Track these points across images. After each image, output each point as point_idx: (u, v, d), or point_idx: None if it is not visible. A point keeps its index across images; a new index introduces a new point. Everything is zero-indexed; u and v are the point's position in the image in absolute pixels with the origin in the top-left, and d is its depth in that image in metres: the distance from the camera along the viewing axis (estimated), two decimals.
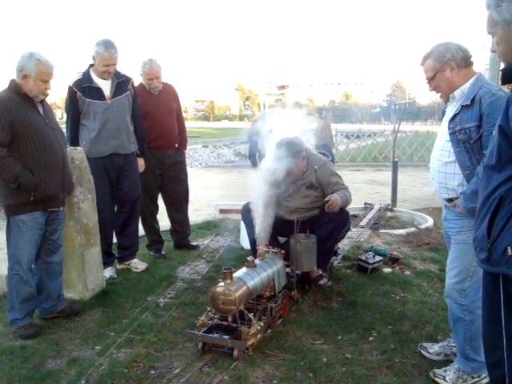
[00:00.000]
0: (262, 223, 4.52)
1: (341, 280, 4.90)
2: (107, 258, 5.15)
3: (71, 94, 4.99)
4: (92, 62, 5.03)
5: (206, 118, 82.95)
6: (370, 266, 5.06)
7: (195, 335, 3.65)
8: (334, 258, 5.30)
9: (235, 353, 3.43)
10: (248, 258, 4.05)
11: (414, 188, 12.00)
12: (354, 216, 7.87)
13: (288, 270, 4.49)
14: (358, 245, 6.12)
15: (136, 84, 5.45)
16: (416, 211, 8.48)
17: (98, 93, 4.97)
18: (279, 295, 4.15)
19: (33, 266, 4.17)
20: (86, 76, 5.01)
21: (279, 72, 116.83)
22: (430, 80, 3.06)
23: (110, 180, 5.12)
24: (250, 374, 3.26)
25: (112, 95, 5.02)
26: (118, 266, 5.42)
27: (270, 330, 3.86)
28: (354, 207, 8.54)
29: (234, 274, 3.77)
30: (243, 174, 16.37)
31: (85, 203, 4.56)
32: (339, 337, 3.78)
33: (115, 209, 5.33)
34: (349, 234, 6.52)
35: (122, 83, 5.10)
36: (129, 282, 5.02)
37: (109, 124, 5.00)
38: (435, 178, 3.14)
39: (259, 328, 3.62)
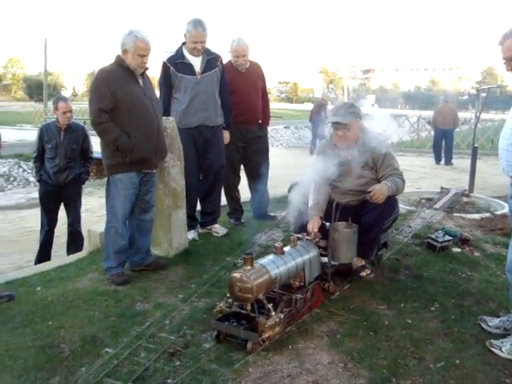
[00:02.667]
0: (316, 195, 4.42)
1: (409, 255, 5.10)
2: (191, 222, 5.59)
3: (165, 69, 5.43)
4: (184, 40, 5.45)
5: (289, 100, 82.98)
6: (439, 245, 5.20)
7: (209, 322, 3.52)
8: (384, 249, 5.02)
9: (249, 345, 3.24)
10: (276, 244, 3.82)
11: (496, 176, 11.71)
12: (429, 199, 7.97)
13: (325, 259, 4.25)
14: (429, 225, 6.24)
15: (225, 62, 5.83)
16: (494, 198, 8.42)
17: (189, 68, 5.38)
18: (309, 286, 3.87)
19: (127, 222, 4.68)
20: (179, 53, 5.44)
21: (365, 56, 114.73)
22: (510, 59, 3.13)
23: (197, 150, 5.53)
24: (316, 328, 3.58)
25: (202, 71, 5.42)
26: (200, 230, 5.86)
27: (295, 323, 3.65)
28: (429, 191, 8.64)
29: (259, 261, 3.62)
30: None
31: (174, 169, 5.00)
32: (402, 304, 4.00)
33: (200, 177, 5.75)
34: (422, 214, 6.67)
35: (211, 60, 5.48)
36: (209, 244, 5.45)
37: (198, 97, 5.40)
38: (503, 157, 3.27)
39: (277, 320, 3.38)
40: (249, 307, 3.40)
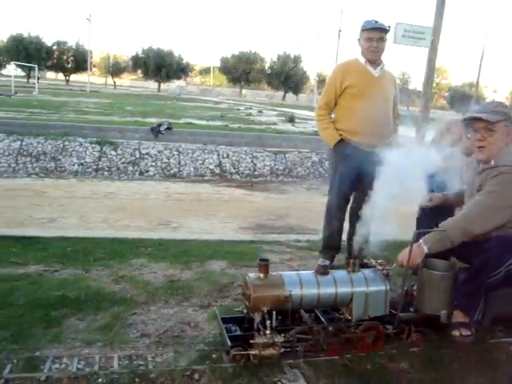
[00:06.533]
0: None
1: None
2: None
3: None
4: None
5: None
6: None
7: (217, 317, 3.13)
8: None
9: (230, 353, 2.80)
10: (318, 262, 3.29)
11: None
12: None
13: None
14: None
15: None
16: None
17: None
18: (357, 324, 3.02)
19: None
20: None
21: None
22: None
23: None
24: None
25: None
26: None
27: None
28: None
29: (286, 272, 3.12)
30: None
31: None
32: None
33: None
34: None
35: None
36: None
37: None
38: None
39: (266, 341, 2.79)
40: (258, 317, 2.90)
